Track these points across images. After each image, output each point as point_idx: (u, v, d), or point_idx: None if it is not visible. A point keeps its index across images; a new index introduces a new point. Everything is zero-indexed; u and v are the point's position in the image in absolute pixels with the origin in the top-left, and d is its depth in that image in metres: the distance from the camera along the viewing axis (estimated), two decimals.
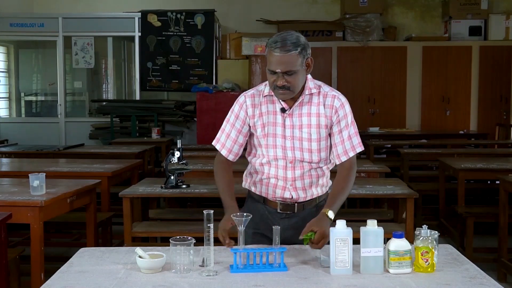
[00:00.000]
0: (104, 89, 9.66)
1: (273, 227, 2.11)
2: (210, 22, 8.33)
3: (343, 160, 2.38)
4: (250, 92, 2.44)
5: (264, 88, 2.40)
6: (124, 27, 8.60)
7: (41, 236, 3.21)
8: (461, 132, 8.34)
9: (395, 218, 4.14)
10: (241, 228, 2.06)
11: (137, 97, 8.69)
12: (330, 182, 2.52)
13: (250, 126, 2.42)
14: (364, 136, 7.76)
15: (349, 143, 2.37)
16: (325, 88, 2.40)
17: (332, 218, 2.21)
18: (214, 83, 8.08)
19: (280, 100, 2.35)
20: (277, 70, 2.23)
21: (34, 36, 8.73)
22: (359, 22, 8.84)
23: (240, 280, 1.94)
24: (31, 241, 3.21)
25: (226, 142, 2.43)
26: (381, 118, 8.88)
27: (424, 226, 2.04)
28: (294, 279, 1.95)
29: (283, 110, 2.36)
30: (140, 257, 2.04)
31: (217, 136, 2.47)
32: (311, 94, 2.36)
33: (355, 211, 4.81)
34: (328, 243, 2.05)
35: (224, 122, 2.45)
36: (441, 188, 5.41)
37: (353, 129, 2.38)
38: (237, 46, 8.26)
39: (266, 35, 8.15)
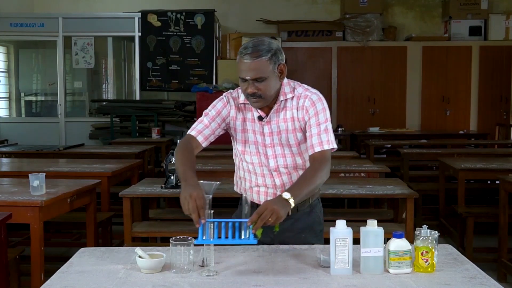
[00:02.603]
0: (104, 89, 9.66)
1: (242, 196, 2.04)
2: (210, 22, 8.33)
3: (309, 154, 2.30)
4: (233, 94, 2.38)
5: (241, 94, 2.33)
6: (124, 27, 8.60)
7: (41, 236, 3.21)
8: (461, 132, 8.35)
9: (395, 218, 4.14)
10: (209, 196, 2.01)
11: (137, 97, 8.69)
12: None
13: (229, 126, 2.37)
14: (364, 136, 7.78)
15: (316, 138, 2.26)
16: (299, 89, 2.32)
17: (288, 199, 2.05)
18: (214, 83, 8.08)
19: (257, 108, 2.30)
20: (246, 77, 2.18)
21: (34, 36, 8.73)
22: (359, 22, 8.85)
23: (240, 280, 1.94)
24: (31, 241, 3.21)
25: (204, 130, 2.33)
26: (381, 118, 8.89)
27: (424, 226, 2.04)
28: (294, 279, 1.95)
29: (260, 118, 2.31)
30: (140, 257, 2.04)
31: (194, 125, 2.36)
32: (286, 99, 2.30)
33: (355, 211, 4.81)
34: (330, 241, 2.04)
35: (203, 116, 2.36)
36: (441, 188, 5.41)
37: (324, 126, 2.27)
38: (237, 46, 8.26)
39: (266, 35, 8.11)
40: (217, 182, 2.04)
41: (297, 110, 2.30)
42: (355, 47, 8.87)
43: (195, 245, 2.00)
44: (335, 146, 2.30)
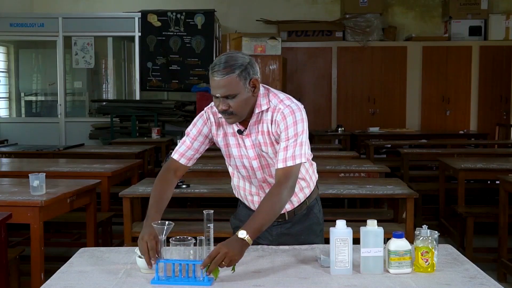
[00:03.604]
0: (104, 89, 9.66)
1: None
2: (210, 22, 8.33)
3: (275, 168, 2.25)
4: (213, 109, 2.31)
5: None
6: (124, 27, 8.60)
7: (41, 236, 3.21)
8: (461, 132, 8.35)
9: (395, 218, 4.13)
10: (162, 237, 2.01)
11: (137, 97, 8.69)
12: (315, 176, 2.46)
13: (212, 140, 2.35)
14: (364, 136, 7.78)
15: (282, 153, 2.18)
16: (274, 101, 2.23)
17: (244, 238, 1.98)
18: None
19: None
20: (217, 95, 2.14)
21: (34, 36, 8.73)
22: (359, 22, 8.85)
23: (240, 281, 1.94)
24: (31, 241, 3.21)
25: (186, 152, 2.33)
26: (381, 118, 8.89)
27: (424, 226, 2.04)
28: (294, 279, 1.95)
29: (239, 132, 2.28)
30: (140, 257, 2.04)
31: (177, 147, 2.36)
32: (262, 111, 2.24)
33: (355, 211, 4.81)
34: (330, 241, 2.04)
35: (185, 135, 2.36)
36: (441, 188, 5.41)
37: (292, 141, 2.18)
38: (237, 46, 8.25)
39: (266, 35, 8.15)
40: (171, 224, 2.02)
41: (271, 124, 2.24)
42: (355, 47, 8.87)
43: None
44: (302, 160, 2.19)
